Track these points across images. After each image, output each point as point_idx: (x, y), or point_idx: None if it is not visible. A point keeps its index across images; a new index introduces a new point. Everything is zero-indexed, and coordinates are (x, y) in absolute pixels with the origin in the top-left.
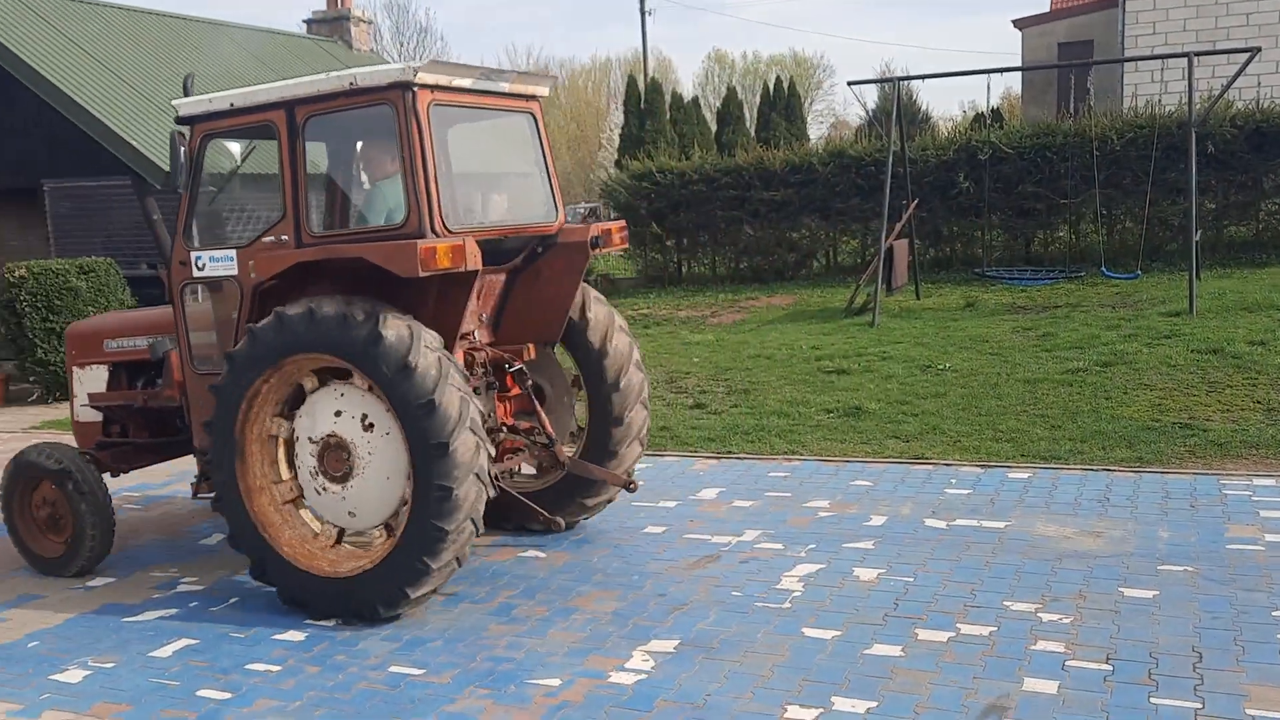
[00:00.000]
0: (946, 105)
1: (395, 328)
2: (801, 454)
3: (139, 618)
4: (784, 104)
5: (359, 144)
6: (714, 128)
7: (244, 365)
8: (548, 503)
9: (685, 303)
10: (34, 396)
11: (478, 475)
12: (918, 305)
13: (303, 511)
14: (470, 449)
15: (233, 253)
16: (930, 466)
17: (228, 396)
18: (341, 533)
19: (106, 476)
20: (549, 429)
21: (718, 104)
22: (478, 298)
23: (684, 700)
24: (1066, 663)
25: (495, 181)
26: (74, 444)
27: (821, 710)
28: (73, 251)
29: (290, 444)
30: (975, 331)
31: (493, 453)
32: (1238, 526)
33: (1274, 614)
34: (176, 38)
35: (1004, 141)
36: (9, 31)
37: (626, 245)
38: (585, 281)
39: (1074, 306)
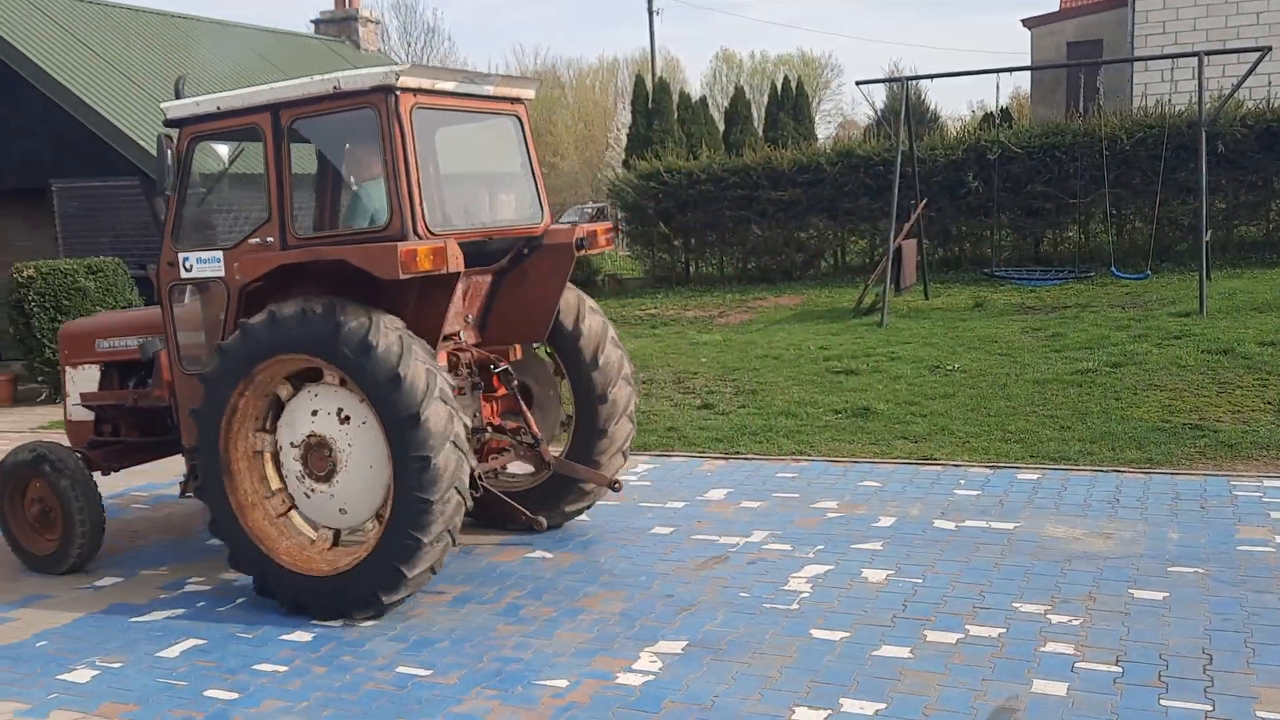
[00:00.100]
0: (955, 105)
1: (354, 315)
2: (809, 454)
3: (146, 618)
4: (792, 104)
5: (344, 147)
6: (722, 127)
7: (217, 382)
8: (535, 501)
9: (693, 303)
10: (42, 396)
11: (454, 443)
12: (926, 305)
13: (296, 519)
14: (443, 418)
15: (220, 254)
16: (939, 467)
17: (207, 416)
18: (338, 534)
19: (114, 476)
20: (534, 429)
21: (725, 104)
22: (464, 299)
23: (691, 701)
24: (1076, 664)
25: (481, 184)
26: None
27: (830, 712)
28: (80, 252)
29: (276, 457)
30: (984, 332)
31: (469, 423)
32: (1248, 528)
33: None
34: (185, 38)
35: (1013, 141)
36: (17, 31)
37: (612, 247)
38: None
39: (1083, 307)
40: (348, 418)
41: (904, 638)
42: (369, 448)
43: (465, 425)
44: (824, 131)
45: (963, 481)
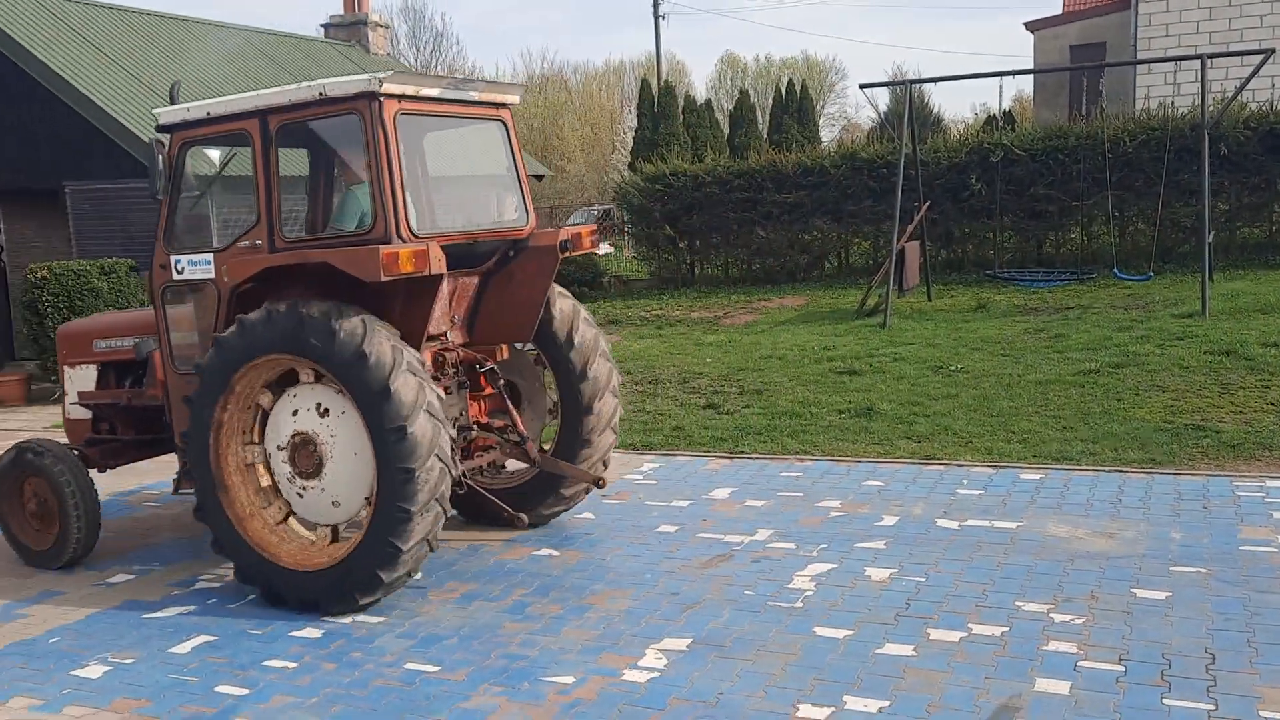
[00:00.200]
0: (958, 108)
1: (316, 307)
2: (813, 454)
3: (158, 614)
4: (796, 107)
5: (331, 152)
6: (727, 130)
7: (200, 402)
8: (522, 499)
9: (698, 304)
10: (56, 396)
11: (429, 411)
12: (929, 306)
13: (295, 525)
14: (413, 388)
15: (210, 256)
16: (942, 467)
17: (196, 437)
18: (336, 531)
19: (127, 475)
20: (521, 427)
21: (730, 107)
22: (451, 300)
23: (696, 698)
24: (1079, 663)
25: (466, 187)
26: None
27: (833, 709)
28: (93, 253)
29: (269, 466)
30: (987, 333)
31: (453, 435)
32: (1251, 528)
33: None
34: (196, 41)
35: (1016, 144)
36: (31, 35)
37: (597, 249)
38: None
39: (1086, 308)
40: (326, 410)
41: (907, 636)
42: (351, 435)
43: (439, 396)
44: (828, 134)
45: (965, 481)
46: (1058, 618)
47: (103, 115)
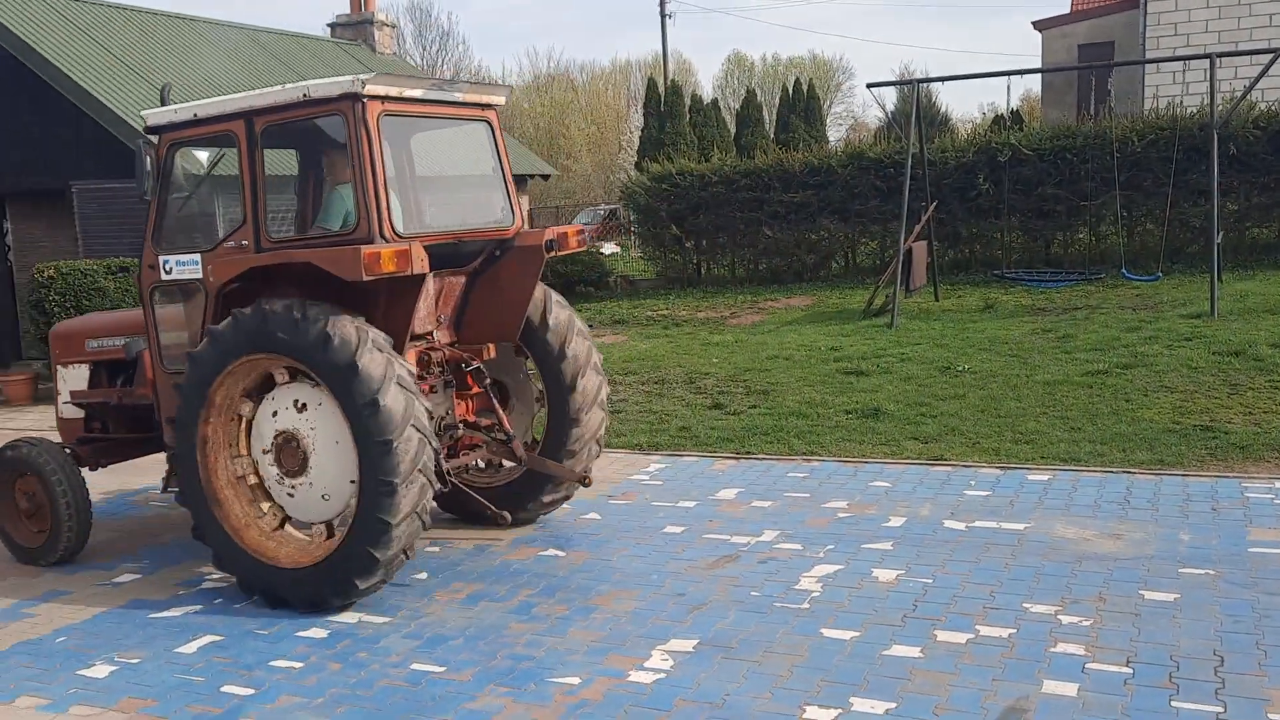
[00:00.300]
0: (966, 107)
1: (279, 303)
2: (820, 455)
3: (165, 614)
4: (803, 106)
5: (316, 152)
6: (733, 130)
7: (184, 419)
8: (509, 497)
9: (705, 304)
10: None
11: (400, 384)
12: (936, 307)
13: (291, 531)
14: (380, 364)
15: (198, 257)
16: (949, 468)
17: (184, 454)
18: (331, 527)
19: (132, 475)
20: (507, 425)
21: (737, 106)
22: (437, 300)
23: (703, 700)
24: (1086, 665)
25: (452, 187)
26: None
27: (840, 711)
28: (100, 252)
29: (259, 473)
30: (994, 333)
31: (437, 447)
32: (1260, 529)
33: None
34: (202, 41)
35: (1024, 143)
36: (38, 35)
37: (585, 248)
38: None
39: (1094, 308)
40: (304, 405)
41: (914, 637)
42: (330, 424)
43: (409, 371)
44: (835, 134)
45: (973, 482)
46: (1065, 619)
47: (110, 115)
